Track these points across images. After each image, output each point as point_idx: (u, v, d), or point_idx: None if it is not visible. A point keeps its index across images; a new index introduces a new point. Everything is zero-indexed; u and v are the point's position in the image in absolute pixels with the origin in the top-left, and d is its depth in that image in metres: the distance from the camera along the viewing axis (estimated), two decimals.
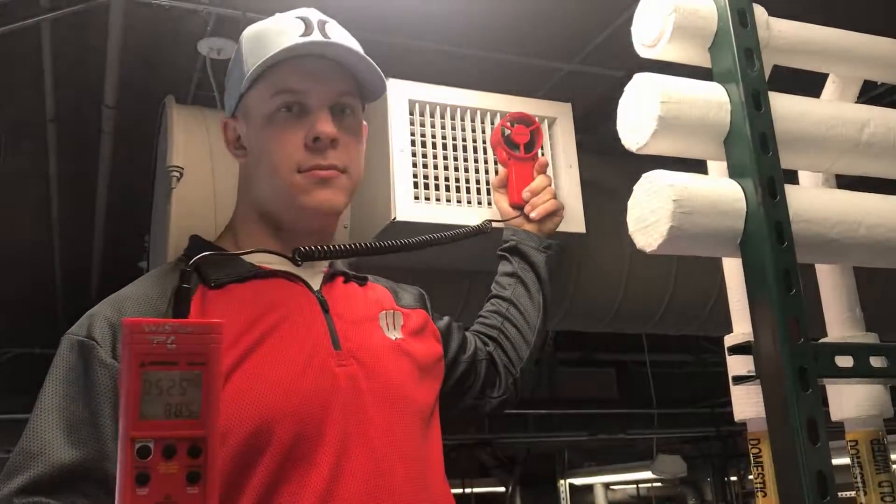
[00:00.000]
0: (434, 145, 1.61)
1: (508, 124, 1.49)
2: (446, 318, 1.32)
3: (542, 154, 1.52)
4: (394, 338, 1.15)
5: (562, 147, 1.70)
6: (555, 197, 1.48)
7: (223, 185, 1.63)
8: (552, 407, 6.06)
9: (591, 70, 2.95)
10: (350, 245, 1.01)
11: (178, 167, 1.60)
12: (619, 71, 2.95)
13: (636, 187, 1.01)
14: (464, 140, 1.64)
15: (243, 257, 1.09)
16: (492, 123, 1.68)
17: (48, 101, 3.02)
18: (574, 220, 1.58)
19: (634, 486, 9.33)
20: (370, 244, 1.04)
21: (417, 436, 1.10)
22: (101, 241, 4.22)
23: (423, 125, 1.61)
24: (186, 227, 1.59)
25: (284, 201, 1.09)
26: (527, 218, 1.47)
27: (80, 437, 0.93)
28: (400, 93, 1.59)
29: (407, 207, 1.53)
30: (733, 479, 7.58)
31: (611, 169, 2.25)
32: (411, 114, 1.59)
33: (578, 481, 8.10)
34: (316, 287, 1.12)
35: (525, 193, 1.47)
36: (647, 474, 7.09)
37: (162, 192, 1.72)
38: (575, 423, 6.31)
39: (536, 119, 1.50)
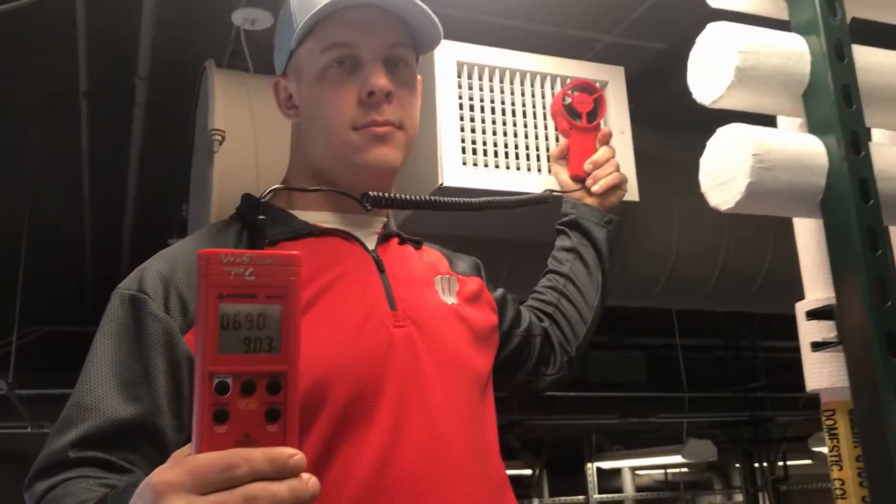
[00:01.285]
0: (483, 109, 1.56)
1: (570, 92, 1.43)
2: (501, 290, 1.28)
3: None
4: (449, 302, 1.12)
5: (614, 112, 1.64)
6: (618, 169, 1.43)
7: (265, 149, 1.60)
8: (580, 390, 6.00)
9: (630, 42, 2.88)
10: (417, 197, 0.97)
11: (220, 130, 1.56)
12: (660, 43, 2.88)
13: (710, 142, 0.96)
14: (513, 104, 1.59)
15: (297, 216, 1.06)
16: (542, 87, 1.63)
17: (81, 73, 3.00)
18: (628, 188, 1.51)
19: (659, 470, 9.28)
20: (436, 199, 1.01)
21: (474, 402, 1.07)
22: (132, 218, 4.22)
23: (471, 88, 1.56)
24: (229, 191, 1.56)
25: (339, 160, 1.05)
26: (588, 191, 1.42)
27: (135, 393, 0.90)
28: (448, 54, 1.53)
29: (455, 173, 1.48)
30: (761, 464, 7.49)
31: (653, 139, 2.19)
32: (459, 76, 1.54)
33: (606, 465, 8.05)
34: (371, 247, 1.08)
35: (587, 165, 1.41)
36: (675, 459, 7.03)
37: (202, 159, 1.68)
38: (603, 406, 6.25)
39: (599, 86, 1.44)
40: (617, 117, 1.65)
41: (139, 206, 4.07)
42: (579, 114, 1.43)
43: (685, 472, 9.45)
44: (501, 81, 1.59)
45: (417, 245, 1.18)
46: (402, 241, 1.14)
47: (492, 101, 1.57)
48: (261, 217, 0.70)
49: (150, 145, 3.44)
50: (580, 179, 1.42)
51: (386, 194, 0.98)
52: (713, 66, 0.96)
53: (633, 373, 6.95)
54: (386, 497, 0.92)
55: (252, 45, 2.64)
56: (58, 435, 0.88)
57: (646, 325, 6.34)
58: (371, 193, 0.97)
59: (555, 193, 1.35)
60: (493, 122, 1.56)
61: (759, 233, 2.22)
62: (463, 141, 1.52)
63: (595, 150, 1.43)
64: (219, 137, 1.55)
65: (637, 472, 8.91)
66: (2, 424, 5.16)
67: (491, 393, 1.14)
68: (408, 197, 0.98)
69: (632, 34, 2.85)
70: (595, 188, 1.41)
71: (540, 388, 1.35)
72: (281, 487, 0.60)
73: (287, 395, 0.63)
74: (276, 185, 0.78)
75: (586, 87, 1.45)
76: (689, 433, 6.60)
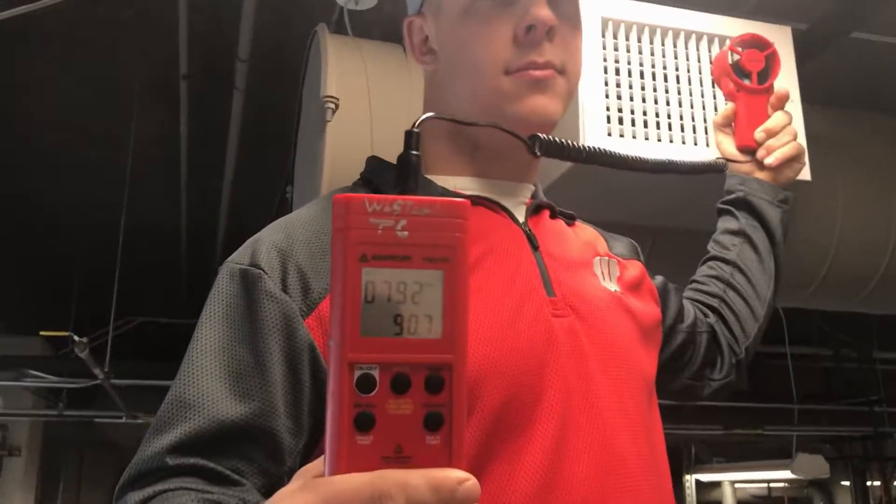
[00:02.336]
0: (630, 73, 1.36)
1: (737, 48, 1.23)
2: (660, 278, 1.09)
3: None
4: (612, 289, 0.93)
5: (781, 78, 1.42)
6: (796, 138, 1.20)
7: (381, 119, 1.44)
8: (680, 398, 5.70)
9: (762, 20, 2.66)
10: (592, 147, 0.79)
11: (334, 97, 1.41)
12: (798, 23, 2.64)
13: None
14: (665, 68, 1.38)
15: (436, 182, 0.89)
16: (697, 48, 1.42)
17: (182, 56, 2.94)
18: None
19: (755, 485, 8.88)
20: (611, 152, 0.83)
21: (644, 411, 0.88)
22: (227, 208, 4.17)
23: (617, 49, 1.36)
24: (342, 166, 1.41)
25: (487, 112, 0.86)
26: (759, 164, 1.20)
27: (246, 388, 0.74)
28: (591, 9, 1.34)
29: (599, 145, 1.28)
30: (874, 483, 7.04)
31: (810, 116, 1.95)
32: (603, 35, 1.35)
33: (705, 477, 7.70)
34: (521, 219, 0.90)
35: (758, 134, 1.19)
36: (777, 473, 6.66)
37: (312, 132, 1.54)
38: (703, 416, 5.94)
39: (772, 42, 1.23)
40: (785, 84, 1.43)
41: (235, 196, 4.02)
42: (748, 73, 1.22)
43: (783, 488, 9.02)
44: (652, 42, 1.38)
45: (570, 220, 0.99)
46: (554, 215, 0.96)
47: (641, 64, 1.37)
48: (414, 152, 0.53)
49: (248, 132, 3.36)
50: (750, 150, 1.20)
51: (558, 139, 0.80)
52: None
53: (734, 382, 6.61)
54: None
55: (356, 26, 2.52)
56: (154, 436, 0.73)
57: None
58: (542, 136, 0.79)
59: (729, 162, 1.15)
60: (643, 88, 1.36)
61: None
62: (608, 109, 1.33)
63: (767, 116, 1.21)
64: (332, 105, 1.40)
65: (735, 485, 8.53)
66: (98, 414, 5.21)
67: (656, 400, 0.95)
68: (581, 146, 0.80)
69: (760, 13, 2.62)
70: (769, 160, 1.19)
71: (704, 394, 1.15)
72: None
73: (452, 394, 0.46)
74: (430, 113, 0.60)
75: (757, 43, 1.24)
76: (791, 447, 6.23)
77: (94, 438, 6.55)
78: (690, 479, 7.48)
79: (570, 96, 0.89)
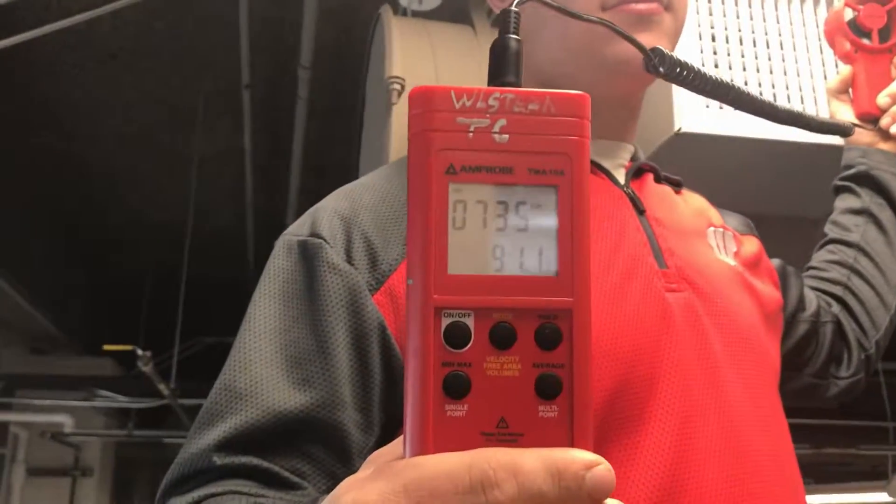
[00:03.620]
0: (727, 38, 1.22)
1: (854, 4, 1.09)
2: (778, 260, 0.96)
3: None
4: (731, 263, 0.80)
5: None
6: None
7: None
8: None
9: None
10: (720, 78, 0.67)
11: (399, 78, 1.31)
12: None
13: None
14: (766, 33, 1.24)
15: None
16: (801, 10, 1.27)
17: (244, 65, 2.90)
18: None
19: None
20: (743, 90, 0.71)
21: (776, 403, 0.76)
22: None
23: (711, 13, 1.22)
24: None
25: (582, 56, 0.75)
26: (882, 134, 1.07)
27: (306, 375, 0.63)
28: None
29: (695, 117, 1.15)
30: None
31: None
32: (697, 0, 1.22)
33: None
34: (621, 181, 0.79)
35: (882, 98, 1.06)
36: (871, 496, 6.29)
37: (376, 120, 1.45)
38: (790, 433, 5.64)
39: None
40: None
41: (302, 211, 3.97)
42: (868, 31, 1.09)
43: None
44: (751, 5, 1.25)
45: (677, 187, 0.87)
46: (659, 179, 0.85)
47: (739, 30, 1.23)
48: (514, 36, 0.41)
49: (312, 145, 3.31)
50: (872, 118, 1.07)
51: (684, 60, 0.68)
52: None
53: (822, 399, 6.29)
54: None
55: None
56: (200, 431, 0.63)
57: None
58: (666, 52, 0.68)
59: (857, 126, 1.01)
60: (743, 56, 1.22)
61: None
62: None
63: (892, 79, 1.07)
64: (398, 86, 1.30)
65: None
66: (166, 433, 5.21)
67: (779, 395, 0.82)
68: (710, 75, 0.68)
69: None
70: (895, 129, 1.05)
71: (829, 395, 1.01)
72: None
73: (573, 350, 0.34)
74: None
75: None
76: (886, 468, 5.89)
77: (166, 459, 6.57)
78: None
79: (677, 38, 0.77)
